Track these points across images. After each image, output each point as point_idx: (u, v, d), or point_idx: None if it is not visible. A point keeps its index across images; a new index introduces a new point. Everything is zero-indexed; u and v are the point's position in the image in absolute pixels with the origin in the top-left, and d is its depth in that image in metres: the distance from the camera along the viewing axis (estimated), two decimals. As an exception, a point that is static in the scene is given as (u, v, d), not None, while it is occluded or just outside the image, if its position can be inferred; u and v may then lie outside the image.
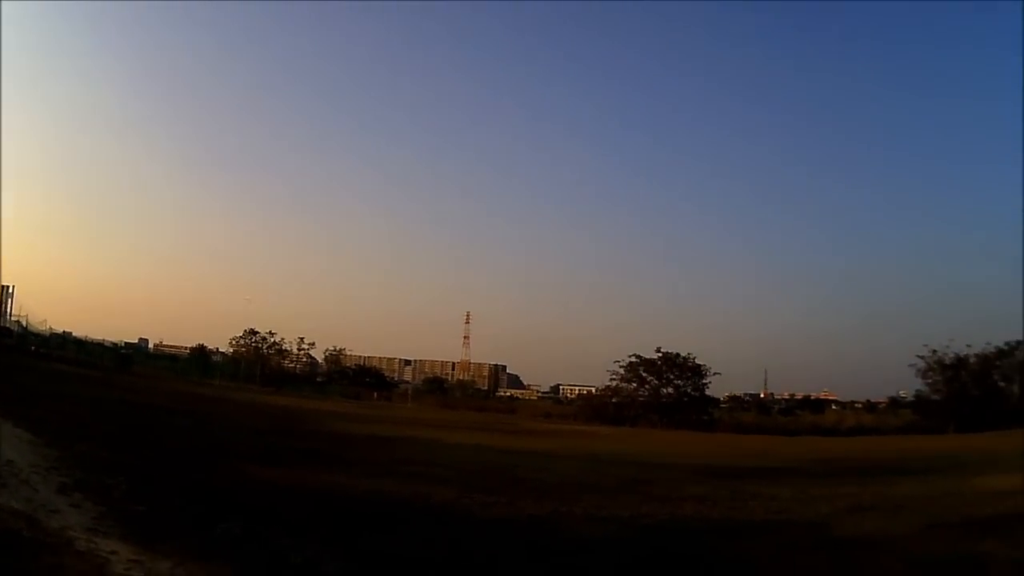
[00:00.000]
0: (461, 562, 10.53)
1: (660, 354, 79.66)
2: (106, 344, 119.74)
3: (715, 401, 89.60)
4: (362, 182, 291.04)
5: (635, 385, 79.81)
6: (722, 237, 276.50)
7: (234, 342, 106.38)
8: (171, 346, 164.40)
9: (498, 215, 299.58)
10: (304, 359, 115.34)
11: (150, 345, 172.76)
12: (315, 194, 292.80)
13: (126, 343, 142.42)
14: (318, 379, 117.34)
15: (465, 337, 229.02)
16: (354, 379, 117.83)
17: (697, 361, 79.85)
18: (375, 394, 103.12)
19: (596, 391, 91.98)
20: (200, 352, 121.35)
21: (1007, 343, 77.20)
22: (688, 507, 17.53)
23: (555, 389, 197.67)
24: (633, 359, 79.66)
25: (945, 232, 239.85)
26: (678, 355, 79.79)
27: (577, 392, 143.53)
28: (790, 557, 12.50)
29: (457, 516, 14.27)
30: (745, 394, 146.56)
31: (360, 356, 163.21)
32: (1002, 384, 78.08)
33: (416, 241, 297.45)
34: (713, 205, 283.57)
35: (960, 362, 75.67)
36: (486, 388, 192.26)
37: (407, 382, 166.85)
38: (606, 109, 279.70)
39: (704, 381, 79.84)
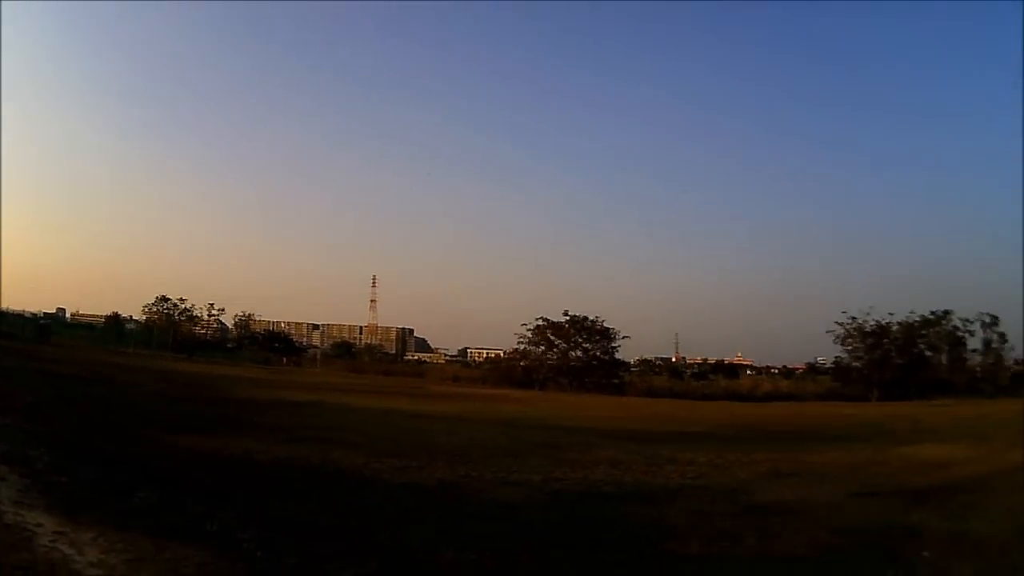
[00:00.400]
0: (373, 528, 10.92)
1: (568, 317, 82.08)
2: (26, 315, 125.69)
3: (625, 365, 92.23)
4: (269, 146, 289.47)
5: (543, 348, 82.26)
6: (631, 199, 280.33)
7: (146, 309, 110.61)
8: (88, 315, 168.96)
9: (404, 177, 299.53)
10: (214, 325, 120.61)
11: (68, 315, 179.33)
12: (222, 159, 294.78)
13: (45, 313, 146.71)
14: (228, 345, 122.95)
15: (372, 301, 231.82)
16: (264, 344, 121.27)
17: (606, 324, 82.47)
18: (284, 359, 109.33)
19: (504, 354, 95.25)
20: (114, 320, 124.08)
21: (933, 312, 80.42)
22: (600, 471, 18.20)
23: (463, 352, 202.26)
24: (540, 322, 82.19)
25: (865, 199, 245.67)
26: (586, 318, 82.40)
27: (485, 355, 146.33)
28: (709, 523, 12.72)
29: (368, 481, 15.10)
30: (656, 358, 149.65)
31: (269, 321, 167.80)
32: (928, 353, 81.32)
33: (323, 204, 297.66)
34: (620, 166, 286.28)
35: (882, 330, 78.92)
36: (394, 352, 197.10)
37: (315, 347, 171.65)
38: (511, 71, 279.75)
39: (613, 344, 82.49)
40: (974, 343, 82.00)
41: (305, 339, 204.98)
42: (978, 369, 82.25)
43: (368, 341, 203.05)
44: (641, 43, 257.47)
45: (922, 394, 71.20)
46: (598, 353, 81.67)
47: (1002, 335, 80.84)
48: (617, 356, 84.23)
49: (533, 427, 30.94)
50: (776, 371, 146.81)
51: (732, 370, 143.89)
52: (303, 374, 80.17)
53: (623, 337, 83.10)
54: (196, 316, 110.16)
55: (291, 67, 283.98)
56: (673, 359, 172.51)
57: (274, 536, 9.67)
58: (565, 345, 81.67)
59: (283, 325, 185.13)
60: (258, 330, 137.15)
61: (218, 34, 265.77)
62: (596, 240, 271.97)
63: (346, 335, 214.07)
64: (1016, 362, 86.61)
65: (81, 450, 15.30)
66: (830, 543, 11.62)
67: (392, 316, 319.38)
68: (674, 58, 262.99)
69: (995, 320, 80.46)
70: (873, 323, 79.09)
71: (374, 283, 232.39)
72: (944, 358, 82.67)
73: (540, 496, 14.72)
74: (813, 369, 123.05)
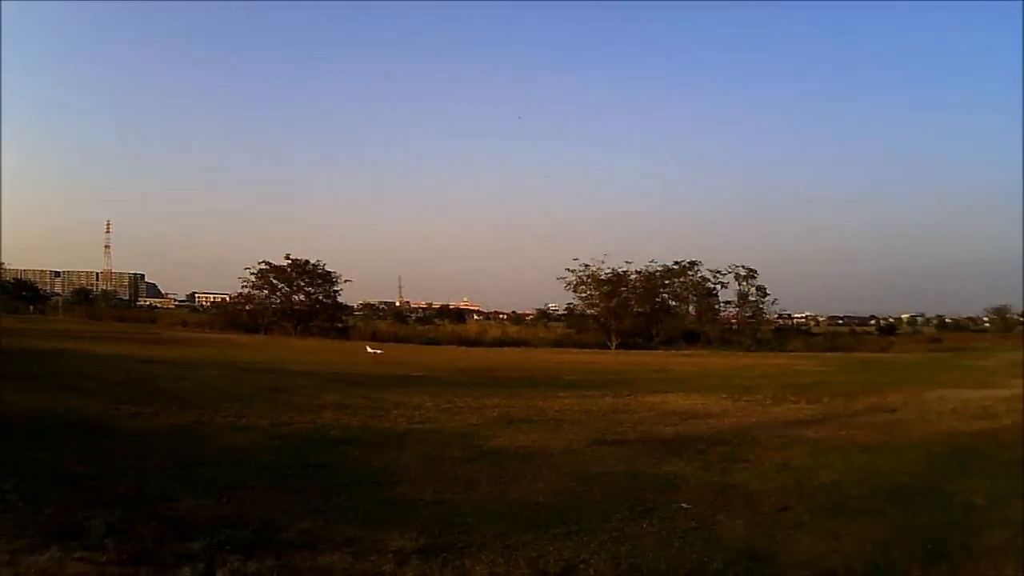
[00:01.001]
0: (117, 476, 11.19)
1: (289, 261, 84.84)
2: None
3: (348, 309, 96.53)
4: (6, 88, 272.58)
5: (266, 292, 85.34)
6: (349, 141, 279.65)
7: None
8: None
9: (132, 117, 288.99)
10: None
11: None
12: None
13: None
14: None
15: (106, 247, 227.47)
16: (13, 294, 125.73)
17: (327, 268, 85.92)
18: (31, 307, 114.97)
19: (230, 299, 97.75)
20: None
21: (677, 262, 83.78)
22: (327, 415, 18.98)
23: (191, 297, 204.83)
24: (263, 266, 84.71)
25: (591, 144, 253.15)
26: (307, 262, 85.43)
27: (211, 300, 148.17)
28: (441, 468, 13.01)
29: (110, 428, 15.72)
30: (380, 302, 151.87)
31: (17, 270, 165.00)
32: (674, 303, 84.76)
33: (58, 147, 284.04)
34: (337, 105, 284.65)
35: (619, 278, 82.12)
36: (127, 298, 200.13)
37: (58, 294, 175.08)
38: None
39: (335, 288, 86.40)
40: (728, 295, 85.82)
41: (48, 287, 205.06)
42: (734, 321, 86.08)
43: (104, 287, 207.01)
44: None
45: (668, 344, 74.23)
46: (321, 297, 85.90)
47: (761, 288, 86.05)
48: (340, 300, 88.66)
49: (260, 371, 32.51)
50: (505, 317, 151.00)
51: (459, 315, 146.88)
52: (47, 322, 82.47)
53: (345, 281, 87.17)
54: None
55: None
56: (397, 303, 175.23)
57: (32, 486, 10.01)
58: (288, 289, 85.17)
59: (29, 273, 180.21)
60: (8, 279, 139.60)
61: None
62: (316, 182, 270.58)
63: (84, 282, 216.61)
64: (780, 316, 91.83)
65: None
66: (573, 490, 11.73)
67: (127, 261, 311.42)
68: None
69: (752, 273, 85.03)
70: (609, 271, 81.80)
71: (108, 228, 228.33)
72: (692, 308, 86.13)
73: (269, 441, 15.39)
74: (544, 315, 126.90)
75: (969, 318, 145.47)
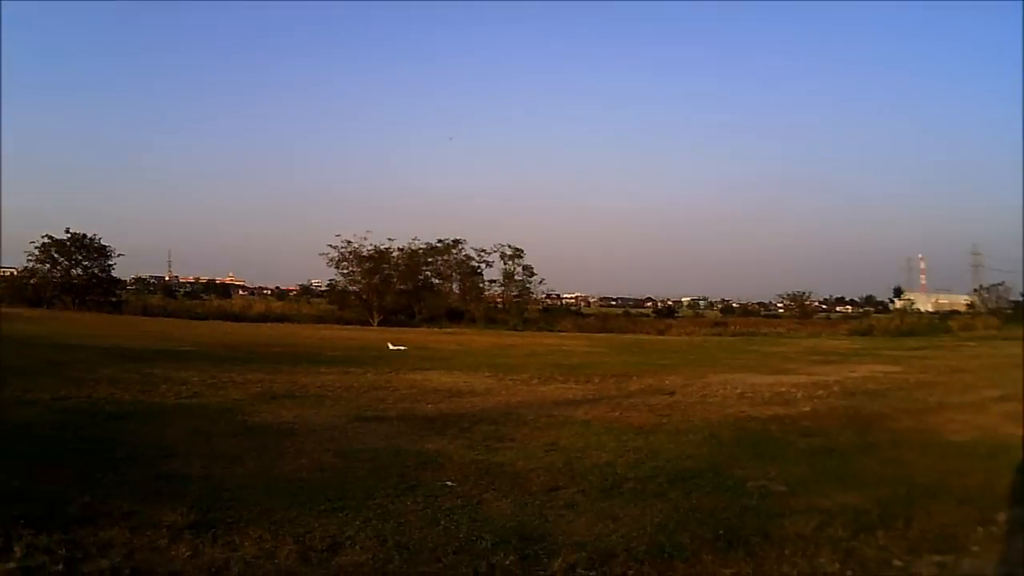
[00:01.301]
0: None
1: (69, 234, 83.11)
2: None
3: (122, 283, 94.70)
4: None
5: (48, 266, 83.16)
6: (160, 112, 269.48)
7: None
8: None
9: None
10: None
11: None
12: None
13: None
14: None
15: None
16: None
17: (103, 242, 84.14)
18: None
19: (16, 272, 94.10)
20: None
21: (440, 240, 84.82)
22: (103, 389, 19.43)
23: None
24: (46, 239, 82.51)
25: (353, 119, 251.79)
26: (85, 236, 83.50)
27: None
28: (208, 443, 13.24)
29: None
30: (150, 276, 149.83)
31: None
32: (436, 281, 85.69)
33: None
34: (119, 88, 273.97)
35: (381, 255, 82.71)
36: None
37: None
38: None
39: (110, 262, 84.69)
40: (494, 274, 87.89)
41: None
42: (499, 300, 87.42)
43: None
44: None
45: (432, 322, 74.92)
46: (96, 271, 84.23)
47: (528, 268, 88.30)
48: (114, 274, 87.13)
49: (41, 346, 32.37)
50: (269, 292, 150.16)
51: (225, 290, 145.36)
52: None
53: (118, 255, 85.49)
54: None
55: None
56: (167, 277, 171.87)
57: None
58: (67, 263, 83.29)
59: None
60: None
61: None
62: (100, 154, 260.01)
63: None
64: (547, 296, 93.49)
65: None
66: (336, 466, 11.99)
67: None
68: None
69: (518, 252, 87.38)
70: (371, 248, 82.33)
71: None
72: (456, 287, 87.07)
73: (51, 415, 15.58)
74: (307, 291, 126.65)
75: (760, 303, 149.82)
